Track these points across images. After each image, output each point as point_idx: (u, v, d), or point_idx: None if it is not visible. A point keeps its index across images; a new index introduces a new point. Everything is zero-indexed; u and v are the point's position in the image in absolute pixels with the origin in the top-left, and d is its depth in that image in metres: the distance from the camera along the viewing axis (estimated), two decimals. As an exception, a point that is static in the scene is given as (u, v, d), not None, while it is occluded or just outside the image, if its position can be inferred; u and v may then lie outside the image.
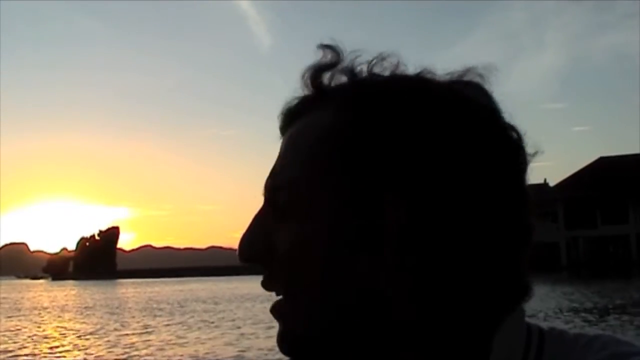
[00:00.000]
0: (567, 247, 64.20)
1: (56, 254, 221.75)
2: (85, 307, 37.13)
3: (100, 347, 18.49)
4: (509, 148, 0.78)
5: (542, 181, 68.66)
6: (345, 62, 0.82)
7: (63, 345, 19.31)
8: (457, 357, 0.75)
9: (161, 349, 17.70)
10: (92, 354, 17.39)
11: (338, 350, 0.77)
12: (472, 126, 0.76)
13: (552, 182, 68.36)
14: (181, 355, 16.55)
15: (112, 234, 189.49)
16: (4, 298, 51.45)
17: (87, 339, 20.66)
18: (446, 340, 0.75)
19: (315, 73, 0.82)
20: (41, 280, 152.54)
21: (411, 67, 0.81)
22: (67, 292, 65.74)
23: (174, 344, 18.79)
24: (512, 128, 0.79)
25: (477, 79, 0.81)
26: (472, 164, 0.74)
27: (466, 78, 0.81)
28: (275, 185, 0.80)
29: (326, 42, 0.83)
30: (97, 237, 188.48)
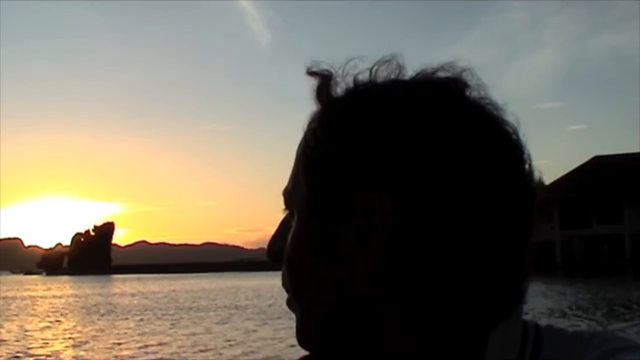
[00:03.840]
0: (562, 246, 64.24)
1: (51, 249, 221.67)
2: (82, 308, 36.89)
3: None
4: (503, 143, 0.77)
5: (537, 180, 68.85)
6: (344, 73, 0.83)
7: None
8: (451, 354, 0.74)
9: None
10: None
11: (338, 344, 0.79)
12: (460, 122, 0.76)
13: (547, 181, 68.22)
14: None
15: (107, 229, 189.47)
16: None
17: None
18: (439, 339, 0.74)
19: (316, 92, 0.84)
20: (36, 276, 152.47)
21: (411, 68, 0.82)
22: (62, 289, 65.46)
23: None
24: (506, 122, 0.78)
25: (464, 74, 0.80)
26: (462, 161, 0.74)
27: (452, 73, 0.80)
28: (284, 190, 0.85)
29: (312, 65, 0.85)
30: (92, 233, 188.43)
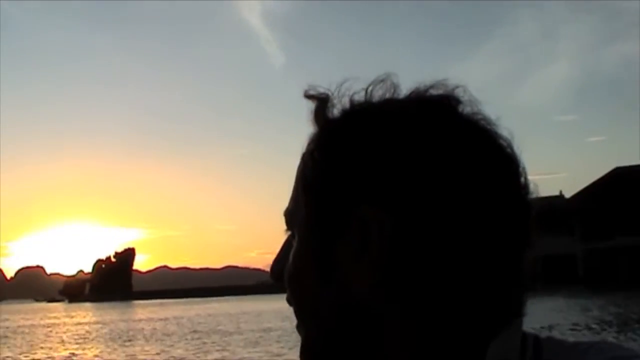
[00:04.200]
0: (583, 259, 63.78)
1: (72, 276, 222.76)
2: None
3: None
4: (497, 157, 0.78)
5: (557, 193, 68.51)
6: (340, 95, 0.85)
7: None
8: None
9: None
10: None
11: (341, 358, 0.80)
12: (453, 138, 0.77)
13: (567, 194, 68.07)
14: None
15: (127, 255, 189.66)
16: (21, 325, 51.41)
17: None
18: (438, 350, 0.75)
19: (313, 115, 0.86)
20: (58, 303, 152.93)
21: (412, 85, 0.83)
22: (85, 316, 65.66)
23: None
24: (500, 136, 0.80)
25: (456, 91, 0.82)
26: (457, 175, 0.75)
27: (445, 90, 0.82)
28: (285, 210, 0.88)
29: (307, 89, 0.87)
30: (112, 259, 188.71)
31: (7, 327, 44.62)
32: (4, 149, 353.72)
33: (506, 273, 0.76)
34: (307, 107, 0.85)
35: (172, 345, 25.63)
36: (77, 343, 28.86)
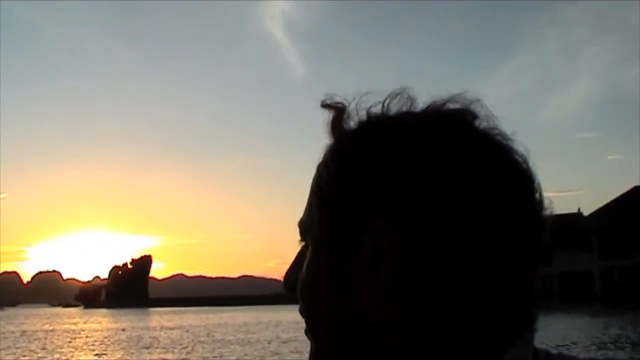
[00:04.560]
0: (601, 277, 63.53)
1: (89, 282, 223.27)
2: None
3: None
4: (512, 172, 0.78)
5: (576, 210, 68.28)
6: (356, 107, 0.85)
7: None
8: None
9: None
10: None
11: None
12: (468, 152, 0.77)
13: (586, 212, 67.87)
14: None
15: (144, 262, 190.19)
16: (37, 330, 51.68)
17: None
18: None
19: (329, 126, 0.86)
20: (74, 309, 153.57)
21: (430, 99, 0.83)
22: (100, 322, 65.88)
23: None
24: (515, 152, 0.80)
25: (473, 105, 0.82)
26: (471, 190, 0.75)
27: (462, 104, 0.82)
28: (299, 221, 0.88)
29: (326, 98, 0.87)
30: (129, 266, 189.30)
31: (24, 331, 44.93)
32: (25, 156, 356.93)
33: (519, 288, 0.76)
34: (325, 118, 0.87)
35: (190, 353, 25.74)
36: (96, 349, 29.01)
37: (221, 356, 24.61)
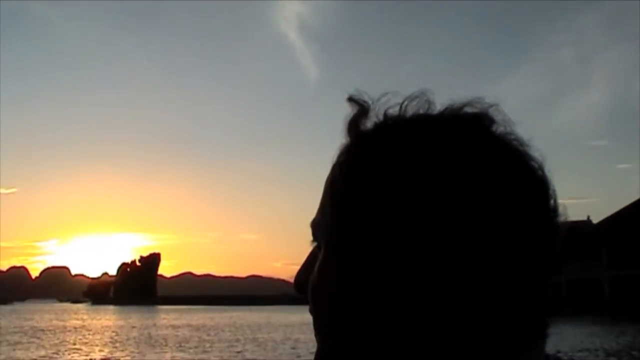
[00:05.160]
0: (609, 285, 63.57)
1: (97, 278, 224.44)
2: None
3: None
4: (528, 179, 0.78)
5: (585, 218, 68.33)
6: (376, 108, 0.84)
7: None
8: None
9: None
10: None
11: None
12: (485, 158, 0.77)
13: (595, 219, 67.91)
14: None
15: (153, 259, 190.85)
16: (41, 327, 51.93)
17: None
18: None
19: (348, 123, 0.86)
20: (82, 305, 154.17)
21: (446, 101, 0.83)
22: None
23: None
24: (532, 158, 0.80)
25: (491, 110, 0.81)
26: (487, 197, 0.75)
27: (479, 108, 0.82)
28: (312, 222, 0.87)
29: (353, 93, 0.86)
30: (138, 263, 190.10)
31: (34, 327, 45.24)
32: (37, 152, 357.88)
33: (532, 294, 0.76)
34: (340, 120, 0.87)
35: (206, 352, 25.94)
36: (108, 347, 29.29)
37: (237, 354, 24.76)
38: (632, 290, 61.91)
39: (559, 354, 0.81)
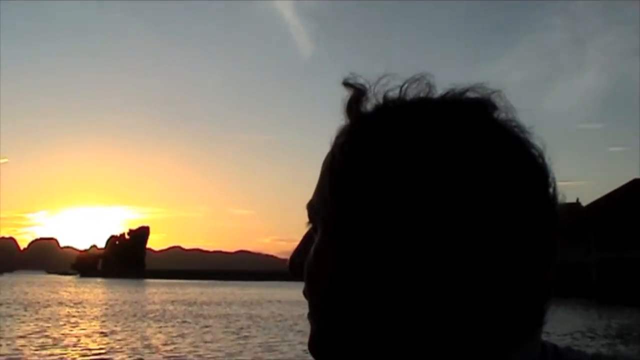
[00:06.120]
0: (597, 269, 64.04)
1: (86, 251, 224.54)
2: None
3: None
4: (528, 166, 0.78)
5: (574, 200, 68.74)
6: (375, 90, 0.84)
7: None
8: None
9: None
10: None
11: (350, 352, 0.80)
12: (486, 144, 0.76)
13: (584, 202, 68.26)
14: None
15: (142, 233, 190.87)
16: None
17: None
18: (454, 358, 0.75)
19: (346, 105, 0.85)
20: (70, 277, 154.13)
21: (451, 82, 0.83)
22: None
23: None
24: (532, 145, 0.79)
25: (490, 94, 0.81)
26: (488, 182, 0.74)
27: (482, 94, 0.81)
28: (308, 203, 0.86)
29: (348, 77, 0.86)
30: (126, 236, 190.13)
31: (26, 299, 45.17)
32: (28, 123, 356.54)
33: (531, 282, 0.76)
34: (334, 96, 0.86)
35: (205, 327, 26.11)
36: (100, 319, 29.38)
37: (240, 331, 25.02)
38: (619, 273, 62.44)
39: (549, 341, 0.81)
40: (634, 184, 66.08)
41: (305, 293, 0.85)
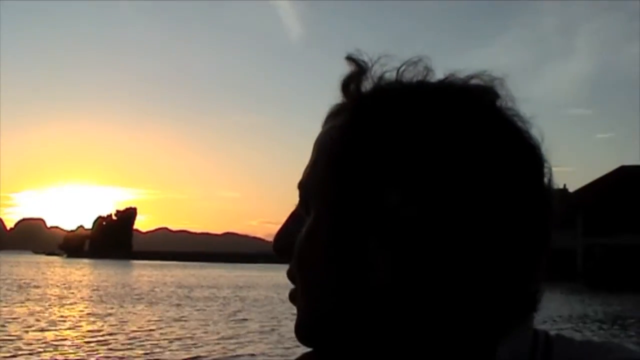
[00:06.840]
0: (583, 254, 64.56)
1: (73, 231, 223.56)
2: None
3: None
4: (527, 156, 0.78)
5: (561, 186, 69.05)
6: (373, 70, 0.83)
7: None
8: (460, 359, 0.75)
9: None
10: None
11: (341, 337, 0.79)
12: (487, 131, 0.76)
13: (571, 188, 68.68)
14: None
15: (129, 214, 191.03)
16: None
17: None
18: (450, 344, 0.75)
19: (344, 82, 0.84)
20: (57, 257, 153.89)
21: (440, 69, 0.82)
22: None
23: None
24: (531, 136, 0.79)
25: (493, 83, 0.81)
26: (486, 169, 0.74)
27: (485, 81, 0.81)
28: (300, 182, 0.84)
29: (353, 52, 0.85)
30: (114, 217, 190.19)
31: (16, 280, 45.19)
32: (14, 102, 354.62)
33: (525, 268, 0.76)
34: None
35: (204, 310, 26.32)
36: (92, 301, 29.52)
37: (236, 313, 25.06)
38: (605, 260, 62.97)
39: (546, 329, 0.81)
40: (621, 171, 66.62)
41: (290, 275, 0.83)
